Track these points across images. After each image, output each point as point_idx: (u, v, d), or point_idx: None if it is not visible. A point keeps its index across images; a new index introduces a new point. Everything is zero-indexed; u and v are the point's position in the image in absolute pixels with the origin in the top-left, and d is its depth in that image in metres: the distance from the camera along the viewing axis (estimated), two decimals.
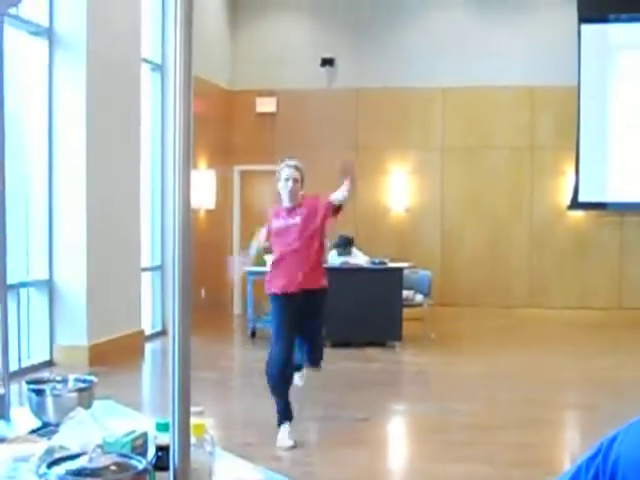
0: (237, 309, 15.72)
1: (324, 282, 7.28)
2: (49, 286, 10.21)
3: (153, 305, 13.04)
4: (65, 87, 10.16)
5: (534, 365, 10.94)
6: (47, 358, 10.17)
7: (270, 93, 15.51)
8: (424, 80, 15.02)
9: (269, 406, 7.23)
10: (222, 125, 15.37)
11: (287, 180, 7.66)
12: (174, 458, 2.19)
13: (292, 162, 7.71)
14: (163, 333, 12.82)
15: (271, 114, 15.62)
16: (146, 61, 12.53)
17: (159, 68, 13.14)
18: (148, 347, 11.89)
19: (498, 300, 15.05)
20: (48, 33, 10.11)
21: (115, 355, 10.36)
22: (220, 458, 2.62)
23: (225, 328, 14.42)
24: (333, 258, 12.16)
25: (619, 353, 11.86)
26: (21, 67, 9.90)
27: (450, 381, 10.12)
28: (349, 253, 12.33)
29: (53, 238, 10.22)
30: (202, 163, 14.18)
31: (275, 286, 7.20)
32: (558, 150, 14.86)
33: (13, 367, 9.45)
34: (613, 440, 1.46)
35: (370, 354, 11.31)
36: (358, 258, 12.24)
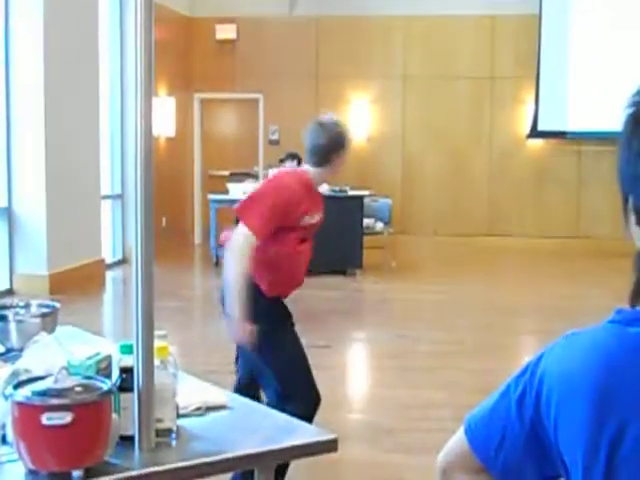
0: (198, 239, 15.72)
1: None
2: (8, 214, 10.14)
3: (113, 233, 13.00)
4: (22, 12, 10.01)
5: (493, 292, 11.08)
6: (7, 287, 10.15)
7: (230, 20, 15.35)
8: (385, 8, 14.91)
9: None
10: (182, 52, 15.22)
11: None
12: (138, 379, 2.23)
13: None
14: (123, 261, 12.82)
15: (231, 41, 15.47)
16: None
17: None
18: (109, 275, 11.88)
19: (458, 228, 15.15)
20: None
21: (76, 284, 10.35)
22: (184, 381, 2.66)
23: (186, 257, 14.43)
24: None
25: (577, 281, 12.01)
26: None
27: (410, 308, 10.23)
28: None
29: (12, 165, 10.13)
30: (162, 90, 14.07)
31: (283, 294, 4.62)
32: (518, 79, 14.87)
33: None
34: (540, 358, 1.52)
35: (331, 282, 11.38)
36: None
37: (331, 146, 4.54)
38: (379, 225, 12.83)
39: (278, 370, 4.34)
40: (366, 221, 12.38)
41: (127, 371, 2.27)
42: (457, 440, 1.64)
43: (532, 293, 11.04)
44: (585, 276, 12.45)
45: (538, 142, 14.98)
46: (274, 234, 4.26)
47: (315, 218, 4.61)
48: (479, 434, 1.58)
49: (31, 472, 2.06)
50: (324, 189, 12.16)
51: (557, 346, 1.51)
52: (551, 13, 14.40)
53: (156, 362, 2.29)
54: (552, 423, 1.44)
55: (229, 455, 2.33)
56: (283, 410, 3.21)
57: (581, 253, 14.17)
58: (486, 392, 1.68)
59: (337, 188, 12.09)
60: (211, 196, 12.97)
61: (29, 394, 2.03)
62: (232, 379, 6.46)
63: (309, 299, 10.15)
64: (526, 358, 1.57)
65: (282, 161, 12.10)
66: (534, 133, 14.74)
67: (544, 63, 14.48)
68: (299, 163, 12.57)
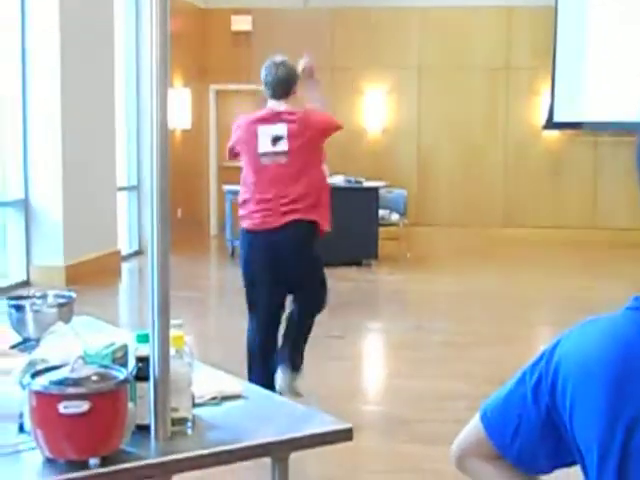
0: (214, 230, 15.74)
1: None
2: (25, 206, 10.19)
3: (129, 225, 13.04)
4: (38, 4, 10.03)
5: (509, 284, 11.07)
6: (24, 278, 10.19)
7: (246, 11, 15.34)
8: None
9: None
10: (197, 44, 15.23)
11: None
12: (154, 368, 2.24)
13: None
14: (139, 253, 12.85)
15: (246, 33, 15.46)
16: None
17: None
18: (125, 267, 11.92)
19: (473, 220, 15.12)
20: None
21: (92, 275, 10.38)
22: (199, 370, 2.68)
23: (202, 248, 14.46)
24: None
25: (593, 272, 11.98)
26: None
27: (425, 299, 10.23)
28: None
29: (28, 157, 10.17)
30: (177, 82, 14.08)
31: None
32: (534, 70, 14.82)
33: None
34: (555, 346, 1.52)
35: (346, 273, 11.38)
36: None
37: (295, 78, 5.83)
38: (394, 216, 12.83)
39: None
40: (381, 212, 12.38)
41: (143, 360, 2.29)
42: (473, 428, 1.65)
43: (548, 284, 11.02)
44: (601, 267, 12.41)
45: (554, 133, 14.93)
46: None
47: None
48: (495, 421, 1.59)
49: (48, 460, 2.08)
50: (339, 180, 12.19)
51: (573, 333, 1.51)
52: (567, 4, 14.34)
53: (172, 351, 2.30)
54: (568, 410, 1.44)
55: (245, 444, 2.34)
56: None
57: (597, 244, 14.12)
58: (501, 383, 1.69)
59: (352, 179, 12.09)
60: (226, 187, 12.98)
61: (46, 383, 2.05)
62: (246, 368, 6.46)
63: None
64: (542, 349, 1.57)
65: None
66: (550, 124, 14.69)
67: (560, 54, 14.43)
68: None
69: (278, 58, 5.97)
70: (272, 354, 5.62)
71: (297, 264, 5.58)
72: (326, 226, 5.80)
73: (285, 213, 5.44)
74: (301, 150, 5.47)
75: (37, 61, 10.07)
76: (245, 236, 5.55)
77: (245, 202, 5.53)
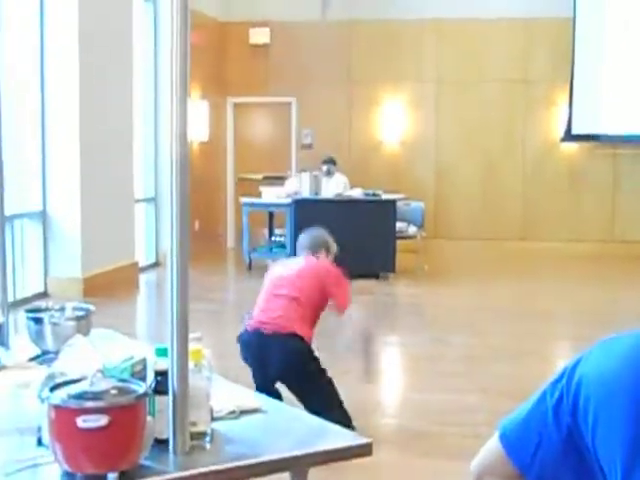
0: (231, 242, 15.75)
1: None
2: (43, 218, 10.22)
3: (147, 237, 13.05)
4: (57, 19, 10.08)
5: (527, 297, 11.02)
6: (41, 290, 10.22)
7: (263, 24, 15.38)
8: (418, 12, 14.88)
9: None
10: (215, 57, 15.27)
11: None
12: (173, 382, 2.23)
13: None
14: (157, 265, 12.87)
15: (264, 45, 15.49)
16: None
17: None
18: (142, 279, 11.93)
19: (491, 233, 15.09)
20: None
21: (109, 287, 10.40)
22: (218, 384, 2.67)
23: (220, 260, 14.46)
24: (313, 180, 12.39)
25: (612, 285, 11.91)
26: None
27: (443, 313, 10.19)
28: (332, 173, 12.52)
29: (46, 169, 10.21)
30: (195, 94, 14.11)
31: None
32: (552, 83, 14.80)
33: (8, 298, 9.51)
34: (576, 363, 1.50)
35: (363, 286, 11.35)
36: (338, 181, 12.41)
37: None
38: (412, 229, 12.81)
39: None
40: (399, 225, 12.36)
41: (162, 374, 2.28)
42: (492, 446, 1.63)
43: (567, 298, 10.97)
44: (620, 280, 12.35)
45: (572, 146, 14.89)
46: None
47: None
48: (515, 440, 1.57)
49: (67, 474, 2.07)
50: (357, 193, 12.20)
51: (595, 351, 1.49)
52: (585, 16, 14.31)
53: (191, 365, 2.30)
54: (590, 429, 1.43)
55: (263, 459, 2.33)
56: None
57: (616, 257, 14.06)
58: (520, 397, 1.67)
59: (370, 192, 12.09)
60: (244, 199, 13.00)
61: (65, 397, 2.04)
62: None
63: None
64: (561, 364, 1.56)
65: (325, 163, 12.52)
66: (568, 137, 14.65)
67: (578, 66, 14.40)
68: (334, 164, 12.70)
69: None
70: None
71: None
72: None
73: None
74: None
75: (56, 73, 10.11)
76: None
77: None
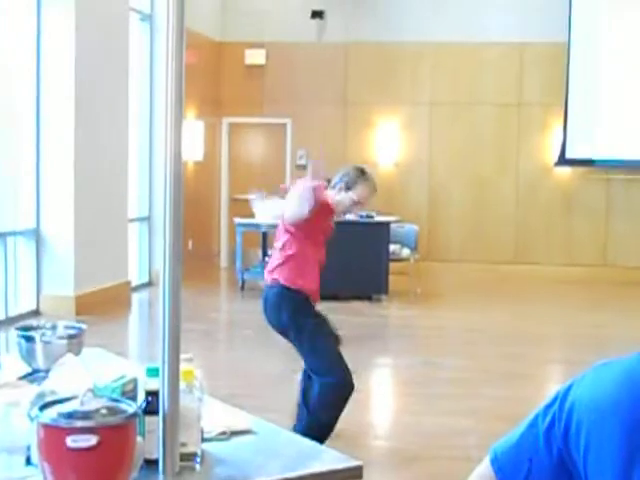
0: (224, 262, 15.74)
1: None
2: (36, 235, 10.21)
3: (139, 256, 13.04)
4: (53, 36, 10.10)
5: (519, 320, 11.02)
6: (33, 307, 10.19)
7: (259, 45, 15.43)
8: (413, 35, 14.94)
9: (257, 358, 7.23)
10: (211, 77, 15.30)
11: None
12: (163, 403, 2.22)
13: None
14: (150, 284, 12.85)
15: (260, 66, 15.54)
16: (135, 11, 12.46)
17: (148, 18, 13.06)
18: (135, 298, 11.91)
19: (484, 256, 15.10)
20: None
21: (102, 306, 10.38)
22: (208, 405, 2.66)
23: (213, 280, 14.45)
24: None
25: (604, 310, 11.93)
26: (8, 16, 9.81)
27: (435, 335, 10.19)
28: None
29: (40, 187, 10.20)
30: (190, 114, 14.13)
31: (309, 287, 5.44)
32: (546, 107, 14.85)
33: (0, 315, 9.50)
34: (569, 388, 1.50)
35: (356, 307, 11.36)
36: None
37: None
38: (405, 251, 12.80)
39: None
40: (392, 247, 12.37)
41: (153, 394, 2.27)
42: (483, 470, 1.62)
43: (559, 322, 10.98)
44: (613, 305, 12.36)
45: (566, 170, 14.92)
46: None
47: None
48: (506, 465, 1.57)
49: None
50: (350, 214, 12.19)
51: (587, 376, 1.49)
52: (580, 40, 14.37)
53: (182, 386, 2.29)
54: (581, 455, 1.42)
55: None
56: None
57: (609, 282, 14.08)
58: (512, 421, 1.67)
59: (364, 214, 12.08)
60: (237, 220, 13.00)
61: (55, 416, 2.03)
62: (256, 403, 6.46)
63: (338, 324, 10.12)
64: (553, 387, 1.56)
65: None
66: (562, 161, 14.68)
67: (572, 90, 14.44)
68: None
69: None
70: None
71: None
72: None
73: None
74: None
75: (51, 91, 10.12)
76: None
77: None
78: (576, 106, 14.42)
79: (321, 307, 5.66)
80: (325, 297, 6.80)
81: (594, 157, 14.47)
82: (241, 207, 14.67)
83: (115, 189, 11.34)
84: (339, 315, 10.84)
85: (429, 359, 8.70)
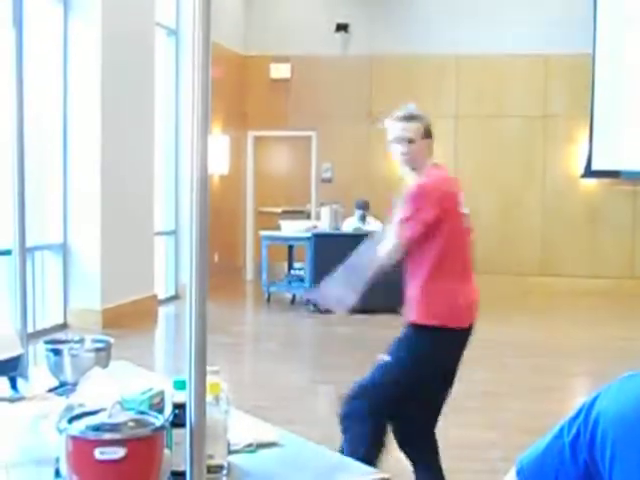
0: (250, 275, 15.77)
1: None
2: (63, 249, 10.27)
3: (166, 270, 13.08)
4: (80, 52, 10.18)
5: (545, 333, 10.97)
6: (61, 321, 10.24)
7: (285, 59, 15.48)
8: (438, 47, 14.95)
9: (283, 370, 7.22)
10: (236, 90, 15.36)
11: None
12: (190, 415, 2.23)
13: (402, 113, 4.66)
14: (176, 297, 12.88)
15: (285, 80, 15.59)
16: (161, 26, 12.53)
17: (173, 33, 13.13)
18: (161, 311, 11.94)
19: (510, 268, 15.05)
20: None
21: (128, 319, 10.42)
22: (235, 417, 2.67)
23: (238, 293, 14.48)
24: (350, 223, 12.36)
25: (631, 323, 11.86)
26: (36, 33, 9.89)
27: None
28: (365, 220, 12.51)
29: (67, 201, 10.27)
30: (216, 128, 14.18)
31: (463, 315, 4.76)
32: (571, 118, 14.81)
33: (28, 329, 9.54)
34: (594, 400, 1.50)
35: (385, 320, 11.31)
36: (371, 226, 12.33)
37: None
38: None
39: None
40: None
41: (180, 407, 2.28)
42: None
43: (585, 334, 10.93)
44: (639, 316, 12.29)
45: (592, 182, 14.87)
46: None
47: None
48: (532, 476, 1.57)
49: None
50: (377, 227, 12.19)
51: (613, 388, 1.49)
52: (605, 52, 14.33)
53: (208, 398, 2.30)
54: (607, 466, 1.42)
55: None
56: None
57: (635, 294, 14.00)
58: (537, 433, 1.67)
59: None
60: (263, 233, 13.03)
61: (83, 428, 2.05)
62: (282, 415, 6.47)
63: (366, 337, 10.14)
64: (578, 400, 1.56)
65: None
66: (588, 172, 14.62)
67: (598, 102, 14.39)
68: (367, 209, 12.65)
69: None
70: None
71: None
72: None
73: None
74: None
75: (78, 106, 10.19)
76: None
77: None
78: (601, 117, 14.37)
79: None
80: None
81: (620, 169, 14.41)
82: (267, 220, 14.71)
83: (141, 203, 11.40)
84: (368, 327, 10.85)
85: None
